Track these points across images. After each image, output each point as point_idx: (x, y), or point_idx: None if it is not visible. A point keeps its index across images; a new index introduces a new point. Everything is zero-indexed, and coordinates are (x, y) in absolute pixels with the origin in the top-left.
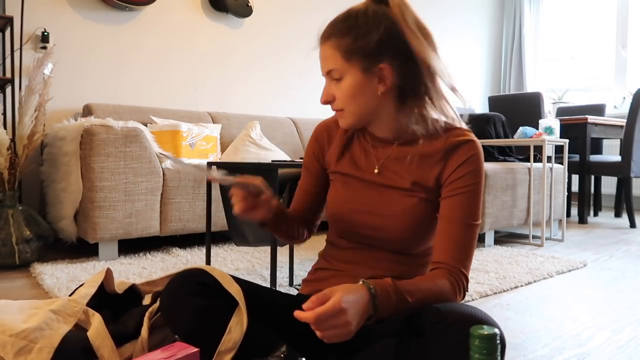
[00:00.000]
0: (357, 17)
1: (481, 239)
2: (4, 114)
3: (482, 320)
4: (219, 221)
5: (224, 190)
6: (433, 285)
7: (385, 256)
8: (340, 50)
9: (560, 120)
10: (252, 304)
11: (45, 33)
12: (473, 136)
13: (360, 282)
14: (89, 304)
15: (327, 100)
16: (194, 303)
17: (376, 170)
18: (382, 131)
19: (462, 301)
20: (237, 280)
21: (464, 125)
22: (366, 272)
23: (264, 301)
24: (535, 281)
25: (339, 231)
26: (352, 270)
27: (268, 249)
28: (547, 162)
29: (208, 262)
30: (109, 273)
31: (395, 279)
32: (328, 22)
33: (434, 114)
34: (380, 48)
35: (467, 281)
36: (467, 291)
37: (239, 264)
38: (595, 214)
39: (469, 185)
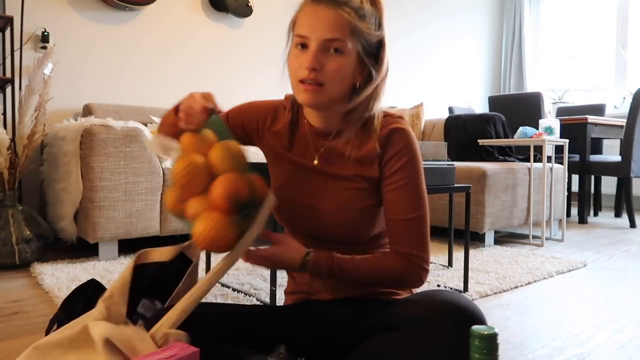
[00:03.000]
0: (366, 11)
1: (481, 239)
2: (4, 114)
3: (458, 306)
4: None
5: None
6: (378, 267)
7: (334, 247)
8: (352, 25)
9: (560, 120)
10: (239, 327)
11: (45, 33)
12: (403, 123)
13: (304, 251)
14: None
15: (316, 67)
16: None
17: (316, 162)
18: (328, 121)
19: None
20: (219, 305)
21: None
22: None
23: (254, 320)
24: (535, 281)
25: (288, 224)
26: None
27: None
28: (547, 162)
29: (208, 262)
30: (142, 255)
31: None
32: None
33: (372, 112)
34: (374, 47)
35: (426, 263)
36: (428, 271)
37: (239, 263)
38: (595, 214)
39: (404, 178)
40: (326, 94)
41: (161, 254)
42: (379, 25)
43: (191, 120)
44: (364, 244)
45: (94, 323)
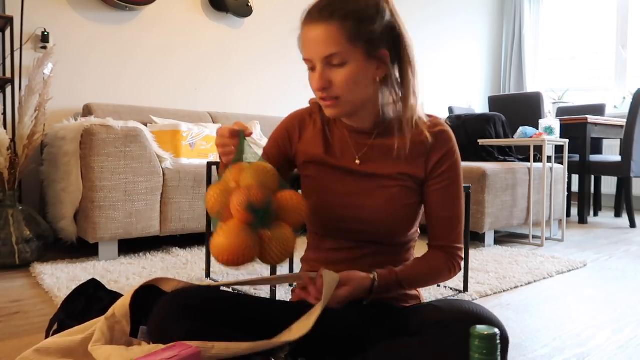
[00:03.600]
0: (360, 1)
1: (481, 239)
2: (4, 114)
3: (483, 317)
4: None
5: None
6: (429, 268)
7: (370, 250)
8: (346, 33)
9: (560, 120)
10: (248, 315)
11: (45, 33)
12: (446, 124)
13: (370, 276)
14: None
15: (324, 86)
16: (185, 327)
17: (357, 161)
18: (363, 122)
19: (468, 298)
20: (231, 295)
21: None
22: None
23: (259, 311)
24: (535, 281)
25: (322, 227)
26: (338, 271)
27: None
28: (547, 162)
29: (208, 262)
30: (158, 280)
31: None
32: (317, 2)
33: (411, 103)
34: (382, 35)
35: (462, 252)
36: (462, 260)
37: None
38: (595, 214)
39: (452, 177)
40: (346, 103)
41: (176, 285)
42: (378, 13)
43: (226, 151)
44: (397, 247)
45: (97, 347)
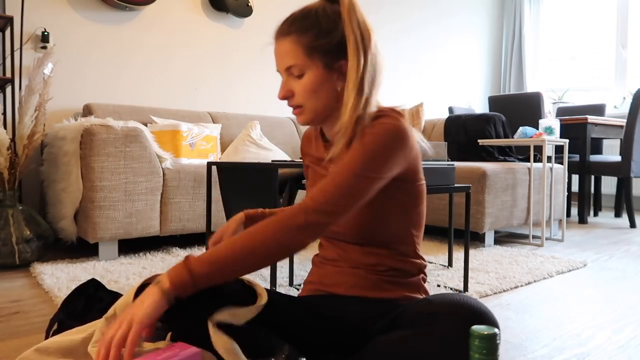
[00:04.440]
0: (318, 15)
1: (481, 239)
2: (4, 114)
3: (472, 307)
4: (219, 221)
5: (225, 189)
6: (258, 226)
7: (356, 249)
8: (302, 46)
9: (560, 120)
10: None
11: (45, 33)
12: (394, 117)
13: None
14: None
15: (286, 95)
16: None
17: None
18: (333, 128)
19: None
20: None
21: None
22: (346, 267)
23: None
24: (535, 281)
25: None
26: (336, 265)
27: None
28: (547, 162)
29: None
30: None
31: (372, 269)
32: (284, 19)
33: (372, 108)
34: (340, 46)
35: (318, 206)
36: (316, 209)
37: None
38: (595, 214)
39: (363, 139)
40: (310, 111)
41: None
42: (335, 26)
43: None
44: (382, 247)
45: (96, 348)
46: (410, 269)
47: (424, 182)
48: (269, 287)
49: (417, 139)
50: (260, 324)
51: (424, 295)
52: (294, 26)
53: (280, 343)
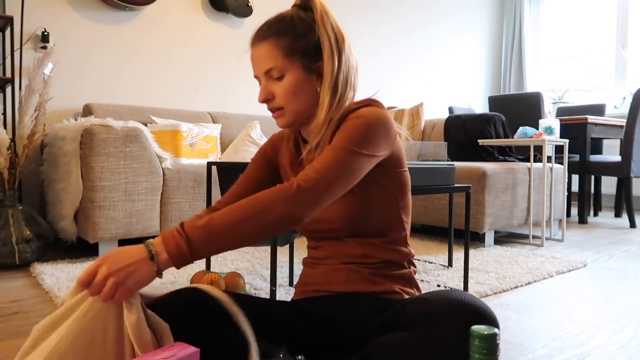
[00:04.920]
0: (293, 20)
1: (481, 239)
2: (4, 114)
3: (470, 305)
4: None
5: (224, 189)
6: (250, 199)
7: (347, 243)
8: (281, 48)
9: (560, 120)
10: (247, 313)
11: (45, 33)
12: (382, 107)
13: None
14: None
15: (267, 98)
16: (188, 323)
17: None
18: (309, 130)
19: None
20: (226, 293)
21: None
22: (337, 263)
23: (258, 311)
24: (535, 281)
25: (302, 230)
26: (326, 264)
27: (268, 248)
28: (547, 162)
29: (208, 262)
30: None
31: (363, 263)
32: (259, 26)
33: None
34: (317, 49)
35: (304, 177)
36: (306, 179)
37: (239, 263)
38: (595, 214)
39: (349, 122)
40: (290, 113)
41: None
42: (311, 28)
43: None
44: (372, 237)
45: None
46: (400, 260)
47: (407, 170)
48: (269, 287)
49: (397, 126)
50: (259, 335)
51: (415, 289)
52: (271, 30)
53: (274, 350)
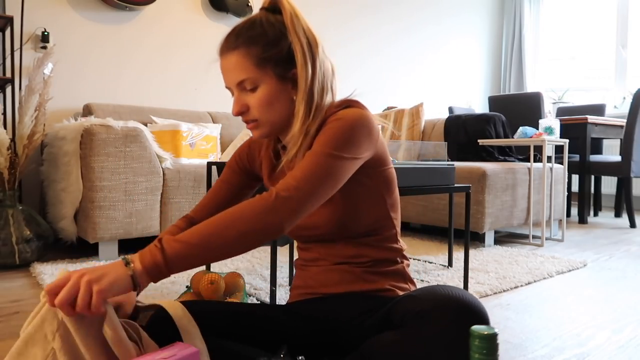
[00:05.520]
0: (263, 26)
1: (481, 239)
2: (4, 114)
3: (460, 300)
4: None
5: None
6: (229, 211)
7: (335, 244)
8: (252, 58)
9: (560, 120)
10: (239, 325)
11: (45, 33)
12: (363, 107)
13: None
14: None
15: (241, 110)
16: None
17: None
18: (286, 140)
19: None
20: (218, 303)
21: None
22: (329, 264)
23: (254, 317)
24: (535, 281)
25: (289, 235)
26: (318, 265)
27: (268, 249)
28: (547, 162)
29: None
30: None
31: (354, 262)
32: (227, 34)
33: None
34: (290, 56)
35: (284, 185)
36: (285, 188)
37: (239, 264)
38: (595, 214)
39: (329, 125)
40: (266, 124)
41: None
42: (283, 35)
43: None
44: (361, 237)
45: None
46: (391, 257)
47: (392, 167)
48: (269, 287)
49: (380, 121)
50: (248, 338)
51: (410, 283)
52: (241, 39)
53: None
